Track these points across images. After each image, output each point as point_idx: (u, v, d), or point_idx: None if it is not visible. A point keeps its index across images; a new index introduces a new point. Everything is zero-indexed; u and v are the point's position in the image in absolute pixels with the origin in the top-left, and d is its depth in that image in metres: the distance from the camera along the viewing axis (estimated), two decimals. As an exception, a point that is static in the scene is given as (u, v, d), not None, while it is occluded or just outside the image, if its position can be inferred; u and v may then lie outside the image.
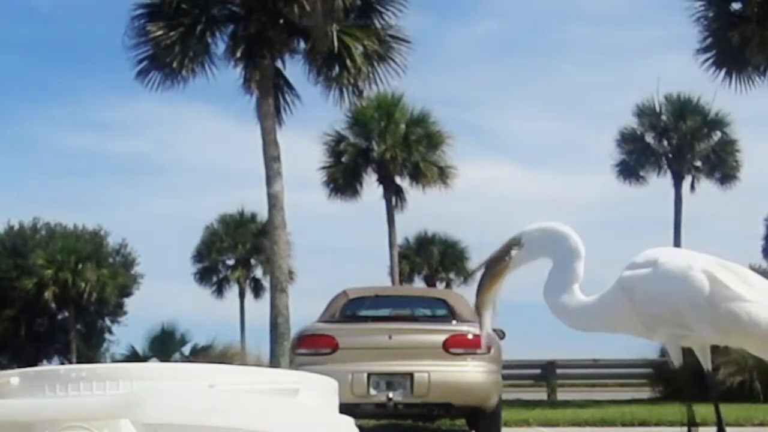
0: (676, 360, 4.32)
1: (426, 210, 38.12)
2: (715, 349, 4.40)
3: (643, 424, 12.22)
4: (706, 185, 27.78)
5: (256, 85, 17.82)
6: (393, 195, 26.55)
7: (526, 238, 4.46)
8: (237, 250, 35.40)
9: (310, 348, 9.25)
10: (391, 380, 9.03)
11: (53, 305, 33.00)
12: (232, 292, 35.51)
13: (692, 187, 27.73)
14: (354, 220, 44.17)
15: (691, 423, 4.32)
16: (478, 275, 4.50)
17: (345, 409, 3.15)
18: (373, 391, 8.98)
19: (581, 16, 50.54)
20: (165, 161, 53.67)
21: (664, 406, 13.09)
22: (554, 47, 50.41)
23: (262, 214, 29.02)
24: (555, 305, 4.37)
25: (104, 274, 33.52)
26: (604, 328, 4.48)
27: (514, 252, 4.46)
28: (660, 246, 4.51)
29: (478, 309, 4.48)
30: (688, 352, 4.42)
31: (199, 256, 35.67)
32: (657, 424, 12.19)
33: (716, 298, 4.10)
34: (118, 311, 37.14)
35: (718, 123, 27.56)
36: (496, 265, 4.47)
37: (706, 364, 4.32)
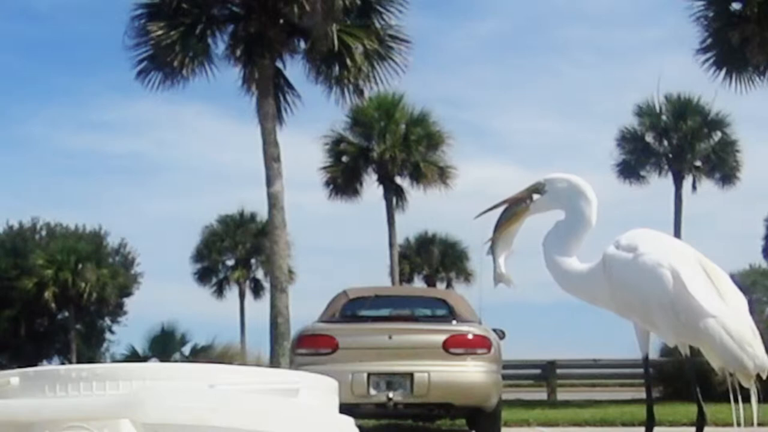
0: (643, 348, 4.37)
1: (426, 210, 38.15)
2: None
3: (643, 424, 12.19)
4: (706, 185, 27.82)
5: (256, 85, 17.82)
6: (393, 195, 26.54)
7: (550, 186, 4.51)
8: (237, 250, 35.39)
9: (310, 348, 9.25)
10: (391, 380, 9.03)
11: (53, 305, 32.96)
12: (232, 292, 35.54)
13: (693, 187, 27.76)
14: (354, 220, 44.22)
15: (650, 420, 4.36)
16: (499, 210, 4.55)
17: (345, 409, 3.15)
18: (373, 391, 8.98)
19: (581, 16, 50.61)
20: (165, 161, 53.69)
21: (664, 406, 13.07)
22: (554, 47, 50.47)
23: (262, 214, 29.07)
24: (550, 260, 4.44)
25: (104, 274, 33.50)
26: (585, 298, 4.53)
27: (536, 197, 4.51)
28: None
29: (493, 244, 4.54)
30: (675, 351, 4.45)
31: (199, 256, 35.66)
32: (657, 424, 12.18)
33: (680, 305, 4.11)
34: (118, 311, 37.11)
35: (718, 123, 27.56)
36: (517, 205, 4.53)
37: (684, 349, 4.34)
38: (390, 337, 9.15)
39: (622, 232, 4.43)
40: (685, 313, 4.10)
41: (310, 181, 31.31)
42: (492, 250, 4.55)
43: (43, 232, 36.60)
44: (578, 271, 4.42)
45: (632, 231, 4.41)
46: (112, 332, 37.91)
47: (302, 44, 18.30)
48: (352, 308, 10.00)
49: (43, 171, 49.78)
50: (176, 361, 27.06)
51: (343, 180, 26.44)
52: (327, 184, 26.66)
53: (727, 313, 4.09)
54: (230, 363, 13.38)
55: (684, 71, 46.32)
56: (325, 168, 26.63)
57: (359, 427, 3.21)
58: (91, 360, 32.65)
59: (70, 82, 51.02)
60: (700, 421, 4.34)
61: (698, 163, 27.79)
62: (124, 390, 2.80)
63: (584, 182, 4.50)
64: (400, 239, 29.14)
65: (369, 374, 8.99)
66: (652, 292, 4.16)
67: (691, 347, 4.31)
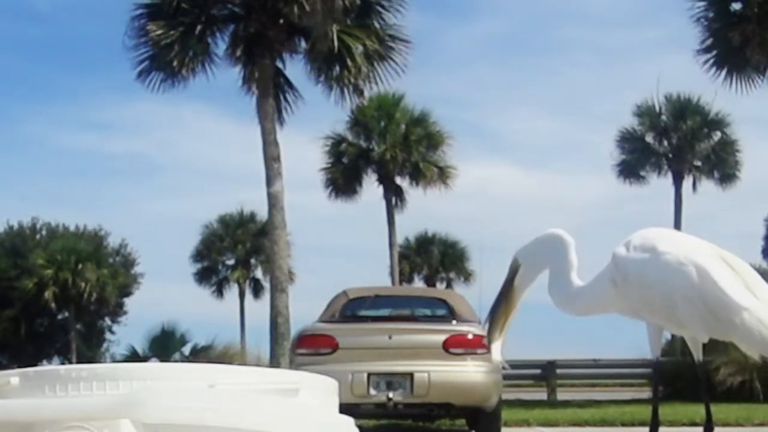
0: (654, 351, 4.34)
1: (426, 210, 38.18)
2: (715, 349, 4.39)
3: (643, 424, 12.19)
4: (706, 185, 27.83)
5: (256, 84, 17.82)
6: (393, 195, 26.56)
7: (521, 257, 4.51)
8: (237, 250, 35.39)
9: (310, 348, 9.25)
10: (391, 380, 9.02)
11: (53, 305, 32.94)
12: (232, 292, 35.55)
13: (693, 187, 27.77)
14: (354, 220, 44.18)
15: (654, 423, 4.33)
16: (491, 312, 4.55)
17: (345, 409, 3.15)
18: (373, 391, 8.98)
19: (581, 16, 50.59)
20: (165, 161, 53.75)
21: (664, 406, 13.06)
22: (554, 47, 50.49)
23: (262, 214, 29.03)
24: (559, 301, 4.43)
25: (104, 274, 33.47)
26: (600, 311, 4.51)
27: (518, 274, 4.52)
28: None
29: (489, 337, 4.54)
30: (675, 351, 4.44)
31: (199, 256, 35.66)
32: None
33: (710, 300, 4.08)
34: (118, 311, 37.11)
35: (718, 123, 27.56)
36: (507, 295, 4.53)
37: (698, 354, 4.31)
38: (390, 337, 9.15)
39: (623, 232, 4.38)
40: (717, 309, 4.07)
41: (310, 181, 31.29)
42: (488, 337, 4.57)
43: (43, 232, 36.59)
44: (583, 289, 4.39)
45: (642, 231, 4.35)
46: (112, 332, 37.96)
47: (302, 44, 18.30)
48: (352, 308, 9.99)
49: (43, 171, 49.84)
50: (176, 361, 27.04)
51: (343, 180, 26.46)
52: (327, 184, 26.69)
53: (758, 305, 4.07)
54: (230, 363, 13.38)
55: (684, 71, 46.34)
56: (325, 168, 26.66)
57: (359, 427, 3.21)
58: (91, 360, 32.63)
59: (70, 82, 51.08)
60: (708, 426, 4.33)
61: (698, 163, 27.80)
62: (124, 390, 2.80)
63: (549, 235, 4.48)
64: (400, 239, 29.19)
65: (369, 374, 8.99)
66: (676, 287, 4.10)
67: (713, 356, 4.28)
